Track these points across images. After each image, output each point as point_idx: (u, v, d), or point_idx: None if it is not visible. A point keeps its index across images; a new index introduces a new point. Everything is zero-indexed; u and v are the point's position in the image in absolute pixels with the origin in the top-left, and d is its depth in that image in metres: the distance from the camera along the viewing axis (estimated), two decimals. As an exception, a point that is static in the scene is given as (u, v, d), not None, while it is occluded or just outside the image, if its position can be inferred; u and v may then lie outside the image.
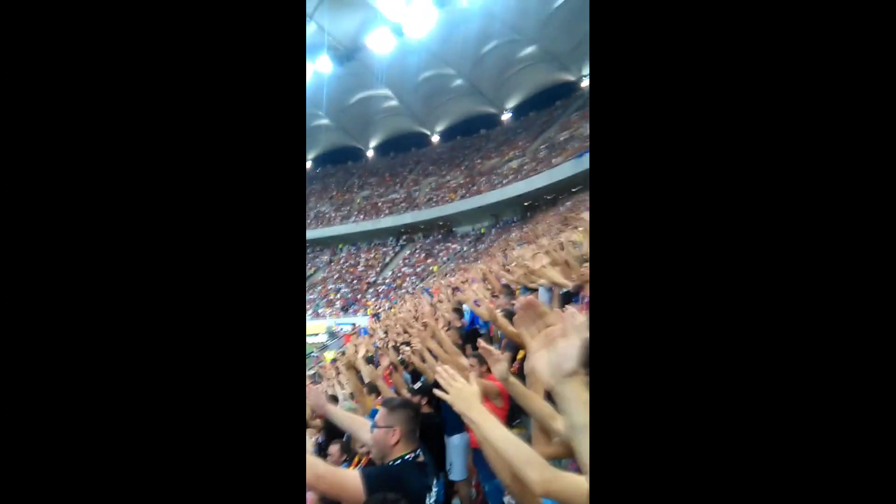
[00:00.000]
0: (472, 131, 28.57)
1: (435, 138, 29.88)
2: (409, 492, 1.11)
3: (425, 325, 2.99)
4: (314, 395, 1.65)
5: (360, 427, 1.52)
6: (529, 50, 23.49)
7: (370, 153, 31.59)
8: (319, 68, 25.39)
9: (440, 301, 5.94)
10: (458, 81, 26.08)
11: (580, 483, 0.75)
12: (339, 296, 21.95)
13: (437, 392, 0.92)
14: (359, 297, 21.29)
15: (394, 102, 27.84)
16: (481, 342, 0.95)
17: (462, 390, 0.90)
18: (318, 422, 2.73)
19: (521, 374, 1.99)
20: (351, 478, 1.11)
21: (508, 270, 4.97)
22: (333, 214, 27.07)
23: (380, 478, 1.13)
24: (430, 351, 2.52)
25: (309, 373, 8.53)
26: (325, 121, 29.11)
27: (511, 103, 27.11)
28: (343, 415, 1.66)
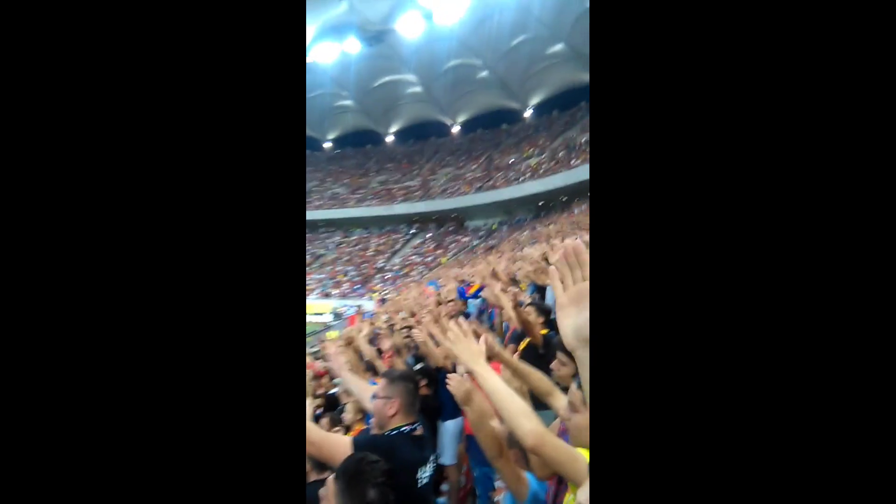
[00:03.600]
0: (493, 125, 28.32)
1: (455, 129, 29.70)
2: (400, 461, 1.13)
3: (430, 312, 3.00)
4: (335, 360, 1.80)
5: (368, 395, 1.57)
6: (558, 47, 23.08)
7: (390, 138, 31.56)
8: (347, 48, 25.33)
9: (446, 290, 5.96)
10: (484, 73, 25.80)
11: (570, 450, 0.76)
12: (347, 278, 22.15)
13: (443, 340, 1.00)
14: (366, 281, 21.46)
15: (418, 89, 27.69)
16: (461, 321, 1.03)
17: (470, 346, 0.97)
18: (319, 400, 2.78)
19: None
20: (342, 444, 1.13)
21: (519, 267, 4.95)
22: (348, 196, 27.21)
23: (369, 445, 1.15)
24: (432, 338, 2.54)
25: (311, 350, 8.65)
26: (348, 102, 29.11)
27: (535, 100, 26.75)
28: (355, 381, 1.73)
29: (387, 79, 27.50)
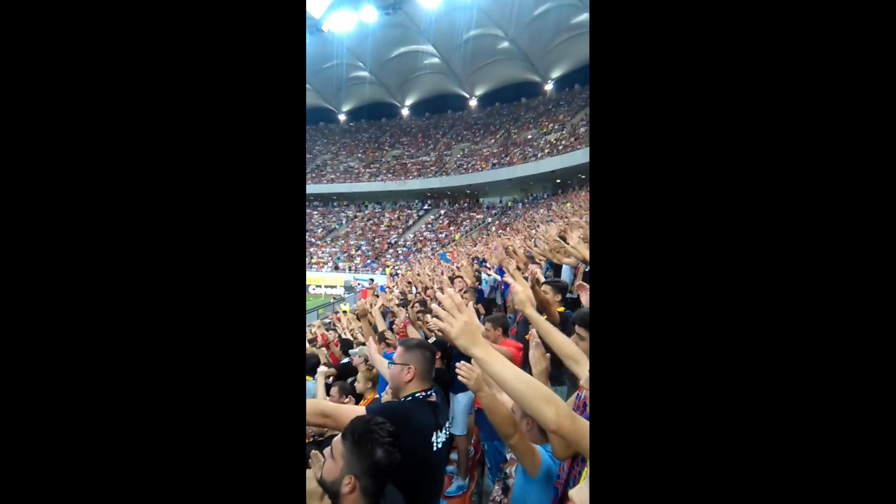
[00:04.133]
0: (511, 99, 27.53)
1: (473, 102, 29.01)
2: (413, 426, 1.13)
3: (442, 286, 2.99)
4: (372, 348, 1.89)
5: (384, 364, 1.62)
6: (583, 17, 21.99)
7: (405, 111, 31.04)
8: (364, 17, 24.62)
9: (459, 266, 5.95)
10: (505, 44, 24.87)
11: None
12: (359, 252, 22.35)
13: (434, 321, 0.86)
14: (379, 255, 21.63)
15: (436, 60, 26.94)
16: (450, 292, 0.87)
17: (468, 324, 0.82)
18: (332, 369, 2.84)
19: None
20: (356, 412, 1.14)
21: (535, 244, 4.88)
22: (362, 170, 27.10)
23: (383, 410, 1.16)
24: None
25: (325, 321, 8.84)
26: (364, 73, 28.56)
27: (556, 73, 25.79)
28: (381, 359, 1.77)
29: (404, 49, 26.77)
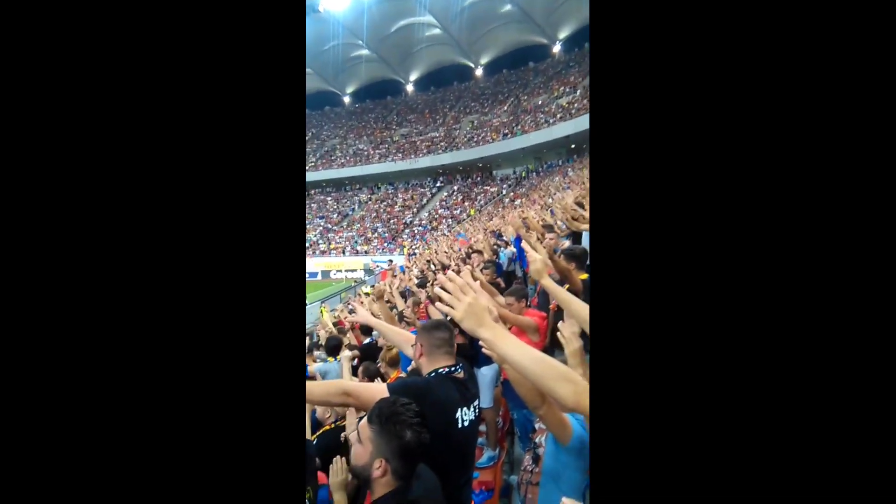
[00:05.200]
0: (519, 64, 26.56)
1: (479, 72, 28.11)
2: (432, 401, 1.12)
3: (459, 266, 2.96)
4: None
5: (406, 342, 1.58)
6: (591, -33, 20.68)
7: (410, 87, 30.41)
8: (359, -7, 23.89)
9: (476, 241, 5.90)
10: (507, 7, 23.76)
11: None
12: (376, 234, 22.50)
13: (439, 307, 0.81)
14: (395, 236, 21.73)
15: (437, 31, 26.04)
16: (450, 275, 0.82)
17: (473, 305, 0.77)
18: (356, 351, 2.88)
19: (555, 317, 1.92)
20: (378, 391, 1.13)
21: (551, 213, 4.77)
22: (371, 152, 26.93)
23: (403, 388, 1.15)
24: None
25: (348, 308, 9.00)
26: (364, 51, 27.93)
27: (564, 33, 24.58)
28: (394, 331, 1.73)
29: (403, 22, 25.94)
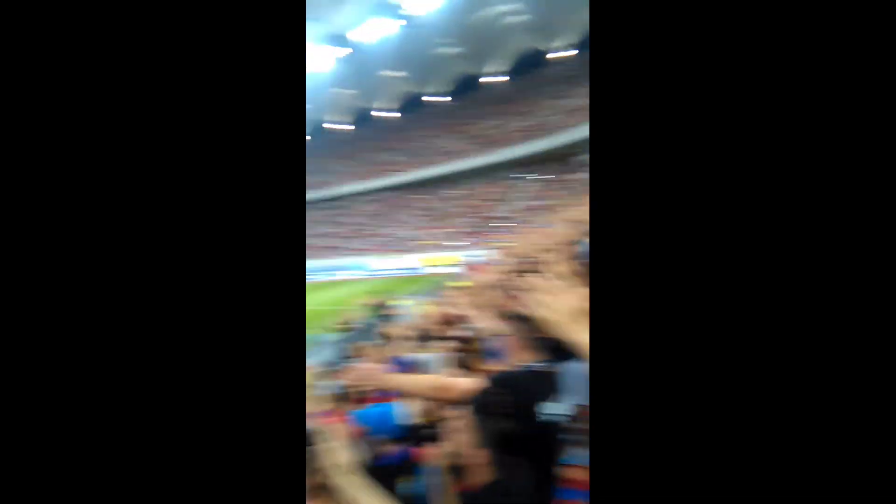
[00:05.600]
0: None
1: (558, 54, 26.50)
2: (526, 394, 1.15)
3: (544, 257, 2.90)
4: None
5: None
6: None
7: (493, 79, 30.02)
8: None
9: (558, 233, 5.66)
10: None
11: None
12: (465, 230, 22.80)
13: (530, 304, 0.83)
14: (484, 230, 21.79)
15: (521, 17, 25.21)
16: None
17: (565, 305, 0.75)
18: (452, 339, 2.99)
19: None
20: (470, 384, 1.19)
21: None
22: (460, 149, 27.27)
23: (498, 381, 1.20)
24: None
25: (442, 300, 9.18)
26: (451, 49, 28.30)
27: None
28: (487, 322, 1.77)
29: (488, 11, 25.59)
